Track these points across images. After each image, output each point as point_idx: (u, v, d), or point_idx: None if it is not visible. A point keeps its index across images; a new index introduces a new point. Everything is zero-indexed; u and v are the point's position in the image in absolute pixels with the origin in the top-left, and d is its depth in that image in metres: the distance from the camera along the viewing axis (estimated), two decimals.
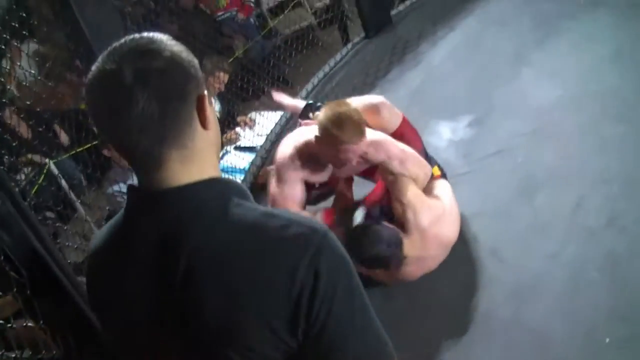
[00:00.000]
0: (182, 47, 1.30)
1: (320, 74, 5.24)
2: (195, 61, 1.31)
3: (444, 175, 3.57)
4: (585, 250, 3.19)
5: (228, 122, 5.52)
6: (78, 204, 6.13)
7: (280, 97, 3.96)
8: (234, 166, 5.13)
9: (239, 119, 5.76)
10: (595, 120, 3.88)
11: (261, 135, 5.31)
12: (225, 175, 4.71)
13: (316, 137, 3.01)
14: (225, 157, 5.20)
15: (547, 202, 3.51)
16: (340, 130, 2.91)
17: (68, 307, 2.10)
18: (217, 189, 1.32)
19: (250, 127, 5.59)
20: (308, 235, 1.26)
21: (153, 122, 1.23)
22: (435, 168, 3.55)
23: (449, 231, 3.32)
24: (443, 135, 4.24)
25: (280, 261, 1.24)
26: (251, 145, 5.37)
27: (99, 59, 1.26)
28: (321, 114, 3.01)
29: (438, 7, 5.60)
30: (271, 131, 5.01)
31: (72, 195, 6.12)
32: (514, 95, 4.32)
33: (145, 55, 1.24)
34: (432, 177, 3.47)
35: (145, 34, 1.29)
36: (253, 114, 5.72)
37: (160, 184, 1.29)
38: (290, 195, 3.25)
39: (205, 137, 1.31)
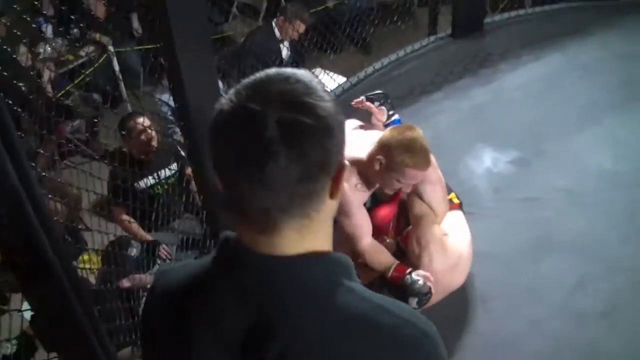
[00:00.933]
0: (333, 101, 1.14)
1: (393, 57, 5.14)
2: (344, 121, 1.16)
3: (460, 206, 3.46)
4: (569, 333, 3.16)
5: None
6: (125, 95, 6.21)
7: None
8: None
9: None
10: (637, 205, 3.80)
11: None
12: None
13: (378, 159, 2.93)
14: None
15: (552, 268, 3.46)
16: (411, 156, 2.86)
17: (55, 298, 2.02)
18: (328, 268, 1.19)
19: None
20: (420, 340, 1.17)
21: (286, 186, 1.09)
22: (453, 195, 3.43)
23: (459, 279, 3.23)
24: (483, 162, 4.18)
25: None
26: None
27: (240, 89, 1.12)
28: (390, 137, 2.94)
29: (532, 31, 5.44)
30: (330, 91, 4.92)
31: (122, 86, 6.20)
32: (567, 149, 4.23)
33: (299, 108, 1.08)
34: (450, 205, 3.39)
35: (300, 76, 1.13)
36: (318, 70, 5.68)
37: (266, 247, 1.16)
38: (366, 227, 3.16)
39: (330, 207, 1.19)
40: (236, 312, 1.16)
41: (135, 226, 4.30)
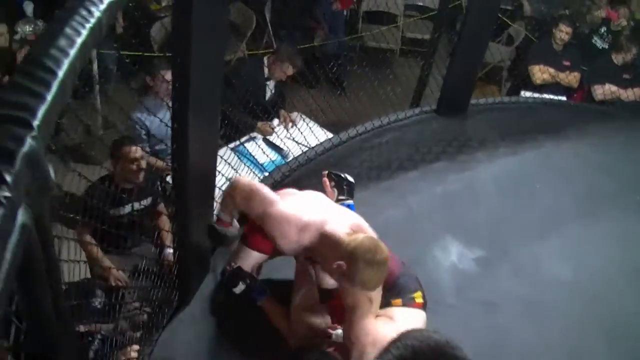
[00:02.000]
0: None
1: (377, 122, 5.18)
2: None
3: (424, 306, 3.40)
4: None
5: (269, 111, 5.48)
6: (97, 92, 6.11)
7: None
8: (254, 157, 5.10)
9: (281, 112, 5.72)
10: (590, 320, 3.92)
11: (294, 142, 5.28)
12: (241, 162, 4.78)
13: (339, 264, 2.82)
14: (251, 144, 5.17)
15: None
16: (367, 274, 2.78)
17: None
18: None
19: (287, 128, 5.56)
20: None
21: None
22: (419, 294, 3.38)
23: None
24: (450, 255, 4.23)
25: None
26: (280, 146, 5.34)
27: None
28: (358, 241, 2.83)
29: (511, 122, 5.57)
30: (308, 150, 4.92)
31: (96, 81, 6.11)
32: (530, 254, 4.31)
33: None
34: (412, 303, 3.35)
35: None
36: (297, 116, 5.69)
37: None
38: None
39: None
40: None
41: (95, 249, 4.25)
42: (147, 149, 5.08)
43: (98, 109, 6.26)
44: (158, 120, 4.60)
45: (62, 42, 1.50)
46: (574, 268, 4.28)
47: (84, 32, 1.58)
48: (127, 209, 4.51)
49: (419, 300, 3.38)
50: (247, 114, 5.26)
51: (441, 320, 3.74)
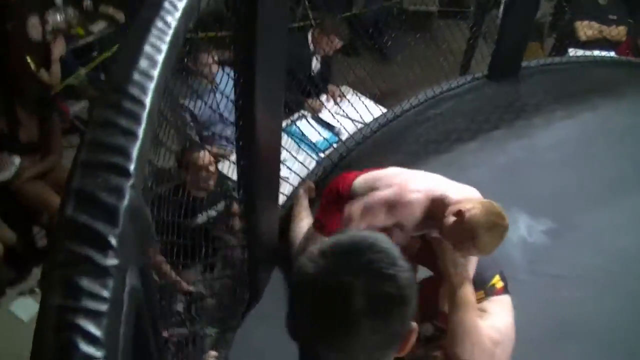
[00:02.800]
0: (407, 266, 1.19)
1: (430, 93, 5.06)
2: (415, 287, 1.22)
3: (506, 287, 3.29)
4: None
5: (318, 87, 5.35)
6: None
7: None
8: (305, 135, 5.00)
9: (330, 87, 5.60)
10: None
11: (345, 117, 5.16)
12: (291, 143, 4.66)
13: (461, 212, 2.79)
14: (301, 122, 5.05)
15: (573, 357, 3.46)
16: (487, 239, 2.77)
17: None
18: None
19: (337, 102, 5.43)
20: None
21: (365, 353, 1.17)
22: (497, 278, 3.26)
23: None
24: (519, 228, 4.14)
25: None
26: (330, 123, 5.22)
27: (327, 253, 1.17)
28: (479, 210, 2.79)
29: (565, 83, 5.42)
30: (363, 127, 4.80)
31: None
32: (600, 223, 4.22)
33: (384, 280, 1.14)
34: (494, 290, 3.26)
35: (380, 242, 1.19)
36: (346, 89, 5.55)
37: None
38: None
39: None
40: None
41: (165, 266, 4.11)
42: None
43: None
44: (202, 105, 4.50)
45: (144, 63, 1.37)
46: (628, 236, 4.17)
47: (164, 47, 1.44)
48: (203, 217, 4.26)
49: (500, 285, 3.28)
50: (295, 92, 5.12)
51: (515, 297, 3.68)
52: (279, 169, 3.45)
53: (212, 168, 4.09)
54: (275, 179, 3.43)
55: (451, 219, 2.82)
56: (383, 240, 1.20)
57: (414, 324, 1.22)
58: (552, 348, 3.52)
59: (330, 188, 3.48)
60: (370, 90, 5.60)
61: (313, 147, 4.91)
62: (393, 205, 2.98)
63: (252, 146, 3.01)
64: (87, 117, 6.31)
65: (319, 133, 5.03)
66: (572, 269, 3.95)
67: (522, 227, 4.16)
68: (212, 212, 4.26)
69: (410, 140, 4.60)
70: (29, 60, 5.46)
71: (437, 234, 3.01)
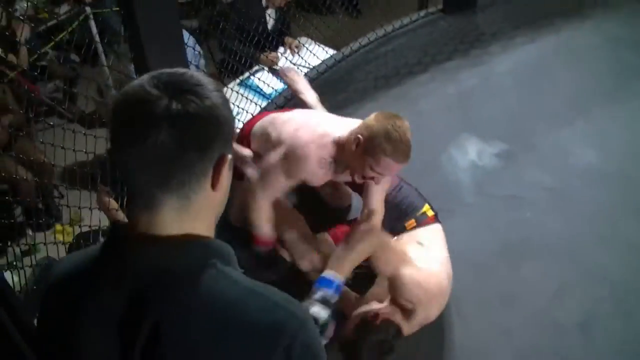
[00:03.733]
0: (225, 99, 1.25)
1: (381, 32, 4.93)
2: (232, 119, 1.27)
3: (437, 216, 3.25)
4: (544, 343, 3.10)
5: (275, 40, 5.26)
6: (103, 57, 5.99)
7: (292, 77, 3.59)
8: (260, 88, 4.93)
9: (286, 39, 5.50)
10: (621, 209, 3.68)
11: (301, 67, 5.07)
12: (248, 95, 4.60)
13: (357, 138, 2.70)
14: (257, 75, 4.98)
15: (529, 275, 3.37)
16: (393, 146, 2.63)
17: None
18: (202, 251, 1.25)
19: (294, 53, 5.35)
20: (287, 322, 1.22)
21: (164, 162, 1.19)
22: (427, 207, 3.24)
23: (435, 312, 3.07)
24: (468, 153, 4.02)
25: (253, 349, 1.20)
26: None
27: (144, 77, 1.23)
28: (375, 119, 2.70)
29: (527, 10, 5.23)
30: (310, 70, 4.71)
31: (100, 47, 5.97)
32: (555, 144, 4.10)
33: (187, 95, 1.19)
34: (425, 219, 3.21)
35: (195, 74, 1.25)
36: (304, 39, 5.46)
37: (148, 227, 1.24)
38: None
39: (211, 196, 1.27)
40: (114, 293, 1.22)
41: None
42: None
43: (106, 73, 6.13)
44: None
45: None
46: (602, 152, 4.06)
47: None
48: None
49: (430, 213, 3.24)
50: (249, 46, 5.05)
51: (464, 220, 3.59)
52: None
53: None
54: None
55: (352, 148, 2.73)
56: (199, 74, 1.26)
57: (229, 155, 1.26)
58: (502, 268, 3.42)
59: (242, 127, 3.41)
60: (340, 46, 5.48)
61: (267, 98, 4.82)
62: (288, 167, 2.88)
63: None
64: (60, 97, 6.36)
65: (272, 85, 4.93)
66: (523, 189, 3.83)
67: (472, 152, 4.03)
68: None
69: (359, 78, 4.50)
70: None
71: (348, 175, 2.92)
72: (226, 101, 1.26)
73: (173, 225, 1.24)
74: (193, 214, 1.25)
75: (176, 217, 1.24)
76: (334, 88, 4.42)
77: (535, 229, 3.60)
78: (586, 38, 4.87)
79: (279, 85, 4.90)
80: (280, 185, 2.94)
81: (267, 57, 5.20)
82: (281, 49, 5.39)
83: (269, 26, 5.47)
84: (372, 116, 2.74)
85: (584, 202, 3.74)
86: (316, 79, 4.54)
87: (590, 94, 4.41)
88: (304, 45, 5.32)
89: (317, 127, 2.90)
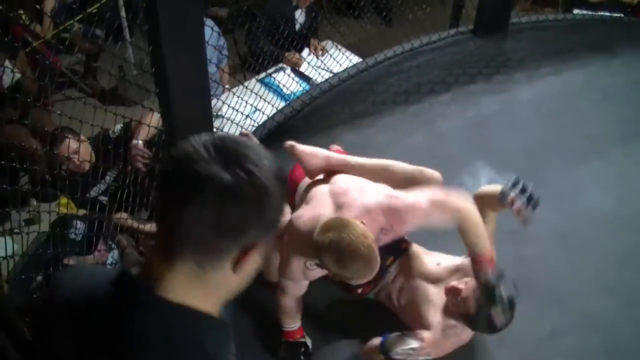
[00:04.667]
0: (279, 185, 1.22)
1: (407, 46, 4.89)
2: (280, 209, 1.24)
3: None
4: None
5: (298, 41, 5.22)
6: (127, 33, 5.97)
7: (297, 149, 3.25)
8: (281, 86, 4.90)
9: (312, 41, 5.46)
10: (628, 257, 3.62)
11: (321, 70, 5.04)
12: (267, 94, 4.57)
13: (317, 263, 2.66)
14: (279, 74, 4.95)
15: (524, 314, 3.17)
16: (344, 269, 2.53)
17: None
18: (195, 331, 1.25)
19: (318, 56, 5.31)
20: None
21: (196, 226, 1.17)
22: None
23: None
24: (479, 181, 3.88)
25: None
26: (308, 75, 5.10)
27: (205, 137, 1.21)
28: (322, 236, 2.55)
29: (557, 40, 5.17)
30: (331, 77, 4.67)
31: (125, 23, 5.96)
32: (568, 182, 4.02)
33: (241, 170, 1.16)
34: None
35: (256, 147, 1.23)
36: (329, 44, 5.43)
37: (159, 278, 1.24)
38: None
39: (229, 277, 1.25)
40: (101, 333, 1.24)
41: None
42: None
43: (128, 51, 6.11)
44: None
45: None
46: (616, 198, 3.97)
47: None
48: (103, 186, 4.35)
49: None
50: (274, 46, 5.03)
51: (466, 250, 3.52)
52: (208, 105, 3.34)
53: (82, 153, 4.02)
54: (204, 114, 3.32)
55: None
56: (259, 148, 1.23)
57: (260, 243, 1.23)
58: None
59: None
60: (367, 53, 5.44)
61: (285, 98, 4.79)
62: None
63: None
64: (81, 70, 6.34)
65: (293, 86, 4.90)
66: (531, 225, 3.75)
67: (483, 180, 3.95)
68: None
69: (380, 91, 4.46)
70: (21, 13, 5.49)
71: None
72: (279, 188, 1.22)
73: (181, 288, 1.23)
74: (203, 286, 1.25)
75: (186, 282, 1.23)
76: (353, 98, 4.40)
77: (537, 267, 3.53)
78: (614, 77, 4.80)
79: (298, 88, 4.87)
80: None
81: (291, 57, 5.17)
82: (305, 51, 5.35)
83: (297, 26, 5.43)
84: (320, 232, 2.60)
85: (591, 246, 3.67)
86: (337, 85, 4.50)
87: (612, 135, 4.34)
88: (327, 51, 5.28)
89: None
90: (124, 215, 3.95)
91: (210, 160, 1.16)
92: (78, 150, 3.96)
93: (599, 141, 4.30)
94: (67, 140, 3.93)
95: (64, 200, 5.24)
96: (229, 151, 1.18)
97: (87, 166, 4.06)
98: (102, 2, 5.91)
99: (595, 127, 4.38)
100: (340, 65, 4.90)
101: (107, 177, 4.28)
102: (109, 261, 3.77)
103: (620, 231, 3.76)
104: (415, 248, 3.19)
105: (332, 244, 2.49)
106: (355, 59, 5.11)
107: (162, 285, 1.23)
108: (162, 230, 1.25)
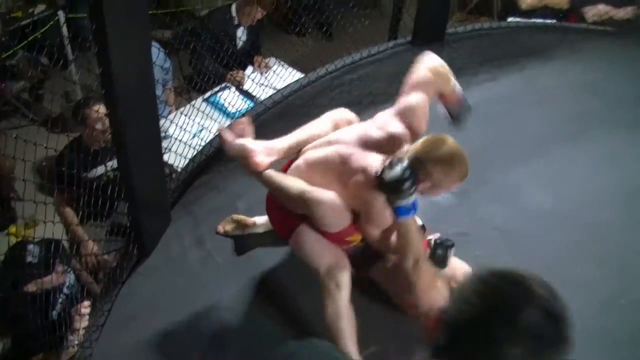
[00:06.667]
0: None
1: (348, 59, 4.98)
2: None
3: None
4: None
5: (241, 59, 5.29)
6: (72, 60, 5.98)
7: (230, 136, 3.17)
8: (226, 104, 4.96)
9: (256, 58, 5.53)
10: (570, 250, 3.74)
11: (266, 87, 5.11)
12: (213, 113, 4.63)
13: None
14: (223, 94, 5.01)
15: None
16: (452, 173, 2.83)
17: None
18: None
19: (262, 73, 5.38)
20: None
21: None
22: None
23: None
24: None
25: None
26: (252, 93, 5.17)
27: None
28: (425, 149, 2.77)
29: (493, 48, 5.32)
30: (275, 93, 4.75)
31: (69, 50, 5.96)
32: (510, 182, 4.17)
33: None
34: None
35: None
36: (272, 61, 5.51)
37: None
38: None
39: None
40: None
41: (70, 217, 4.28)
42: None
43: (74, 77, 6.12)
44: None
45: None
46: (558, 194, 4.11)
47: None
48: (101, 170, 4.40)
49: None
50: (217, 64, 5.09)
51: None
52: (156, 126, 3.36)
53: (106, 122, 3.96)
54: (152, 134, 3.34)
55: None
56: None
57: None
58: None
59: None
60: (309, 68, 5.52)
61: (231, 117, 4.85)
62: None
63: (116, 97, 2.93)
64: (27, 98, 6.33)
65: (238, 104, 4.97)
66: (474, 226, 3.86)
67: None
68: (111, 164, 4.37)
69: (322, 104, 4.50)
70: None
71: None
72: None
73: None
74: None
75: None
76: (297, 112, 4.45)
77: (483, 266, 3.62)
78: (550, 80, 4.96)
79: (243, 106, 4.93)
80: None
81: (234, 75, 5.23)
82: (249, 69, 5.42)
83: (239, 45, 5.50)
84: (423, 145, 2.80)
85: (533, 244, 3.77)
86: (281, 101, 4.56)
87: (550, 136, 4.48)
88: (270, 67, 5.36)
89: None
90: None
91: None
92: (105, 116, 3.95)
93: (537, 142, 4.43)
94: (98, 104, 4.06)
95: (12, 229, 5.23)
96: None
97: (108, 138, 4.13)
98: (44, 29, 5.96)
99: (533, 129, 4.52)
100: (284, 81, 4.96)
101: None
102: (67, 284, 3.77)
103: (560, 226, 3.89)
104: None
105: (444, 153, 2.78)
106: (298, 75, 5.19)
107: None
108: None
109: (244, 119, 3.24)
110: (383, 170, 2.65)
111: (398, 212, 2.73)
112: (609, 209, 3.99)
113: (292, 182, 2.96)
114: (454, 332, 1.44)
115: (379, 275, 3.29)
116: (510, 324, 1.36)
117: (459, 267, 3.25)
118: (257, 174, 3.01)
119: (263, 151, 3.02)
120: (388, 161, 2.66)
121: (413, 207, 2.76)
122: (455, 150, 2.81)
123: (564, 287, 3.40)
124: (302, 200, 2.88)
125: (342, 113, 3.28)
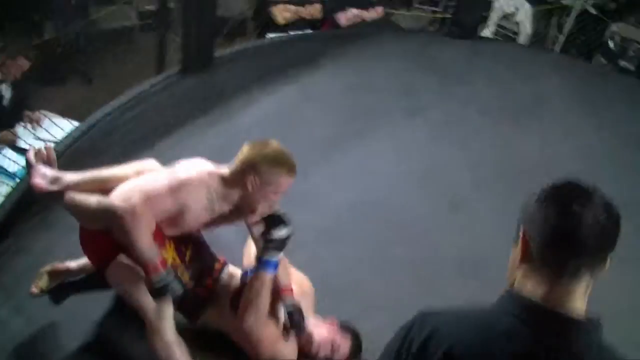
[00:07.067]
0: None
1: (124, 98, 4.87)
2: None
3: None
4: None
5: (9, 117, 5.02)
6: None
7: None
8: (4, 166, 4.68)
9: (25, 113, 5.27)
10: (387, 236, 3.92)
11: (42, 141, 4.87)
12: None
13: (249, 179, 2.88)
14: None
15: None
16: (285, 165, 2.93)
17: None
18: (596, 332, 1.41)
19: (35, 127, 5.14)
20: None
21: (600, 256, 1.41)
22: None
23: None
24: None
25: None
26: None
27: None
28: (254, 154, 2.92)
29: (263, 63, 5.45)
30: (56, 144, 4.53)
31: None
32: (312, 186, 4.21)
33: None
34: None
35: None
36: (40, 115, 5.28)
37: (554, 303, 1.40)
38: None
39: None
40: None
41: None
42: None
43: None
44: None
45: None
46: (360, 186, 4.32)
47: None
48: None
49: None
50: None
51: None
52: None
53: None
54: None
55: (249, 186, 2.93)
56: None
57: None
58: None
59: None
60: (78, 116, 5.32)
61: (12, 176, 4.58)
62: None
63: None
64: None
65: (17, 163, 4.69)
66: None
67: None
68: None
69: (111, 144, 4.39)
70: None
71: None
72: None
73: (576, 305, 1.41)
74: (586, 294, 1.44)
75: (580, 297, 1.42)
76: (85, 159, 4.27)
77: (308, 269, 3.66)
78: (325, 85, 5.17)
79: (23, 162, 4.67)
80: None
81: (3, 136, 4.96)
82: (21, 124, 5.15)
83: (5, 102, 5.22)
84: (247, 152, 2.97)
85: (349, 237, 3.95)
86: (63, 152, 4.36)
87: (338, 136, 4.69)
88: (46, 116, 5.15)
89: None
90: None
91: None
92: None
93: (327, 144, 4.62)
94: None
95: None
96: None
97: None
98: None
99: (320, 133, 4.68)
100: (63, 130, 4.76)
101: None
102: None
103: (371, 215, 4.11)
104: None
105: (270, 151, 2.95)
106: (76, 123, 5.00)
107: (562, 307, 1.40)
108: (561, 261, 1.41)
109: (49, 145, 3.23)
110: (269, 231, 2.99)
111: (269, 266, 2.99)
112: (409, 191, 4.25)
113: (90, 197, 2.89)
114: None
115: (216, 321, 3.21)
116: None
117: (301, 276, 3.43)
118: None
119: (47, 177, 3.00)
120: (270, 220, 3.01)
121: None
122: (279, 148, 2.97)
123: (384, 272, 3.59)
124: (100, 209, 2.81)
125: (150, 164, 3.25)
